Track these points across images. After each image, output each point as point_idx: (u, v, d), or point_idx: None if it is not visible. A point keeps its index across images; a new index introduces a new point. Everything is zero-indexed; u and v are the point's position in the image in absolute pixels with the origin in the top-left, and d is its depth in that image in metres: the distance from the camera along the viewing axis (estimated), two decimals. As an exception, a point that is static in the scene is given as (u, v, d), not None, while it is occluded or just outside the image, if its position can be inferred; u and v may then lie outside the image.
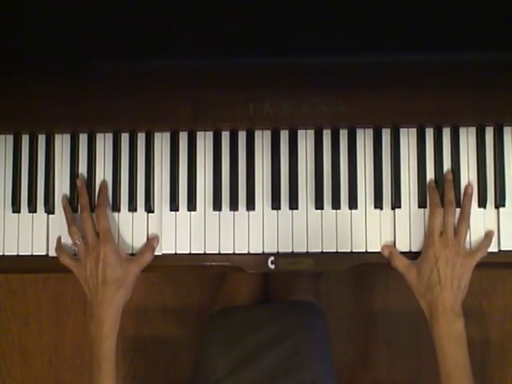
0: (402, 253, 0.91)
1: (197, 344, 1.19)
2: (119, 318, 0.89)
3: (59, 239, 0.94)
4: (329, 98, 0.92)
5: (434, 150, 0.93)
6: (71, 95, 0.94)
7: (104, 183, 0.95)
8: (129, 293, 0.91)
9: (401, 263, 0.91)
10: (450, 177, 0.92)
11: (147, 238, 0.94)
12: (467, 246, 0.91)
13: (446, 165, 0.93)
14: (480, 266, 0.91)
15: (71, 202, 0.95)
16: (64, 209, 0.94)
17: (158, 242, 0.93)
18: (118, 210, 0.95)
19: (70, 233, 0.92)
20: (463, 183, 0.92)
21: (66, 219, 0.93)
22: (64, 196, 0.95)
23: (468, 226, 0.91)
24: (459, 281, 0.87)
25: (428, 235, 0.90)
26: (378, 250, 0.92)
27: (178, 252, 0.94)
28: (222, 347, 1.05)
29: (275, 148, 0.94)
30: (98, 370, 0.87)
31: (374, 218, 0.93)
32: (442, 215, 0.90)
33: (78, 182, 0.94)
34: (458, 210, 0.91)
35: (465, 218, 0.90)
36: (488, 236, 0.92)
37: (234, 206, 0.93)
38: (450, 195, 0.91)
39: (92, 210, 0.93)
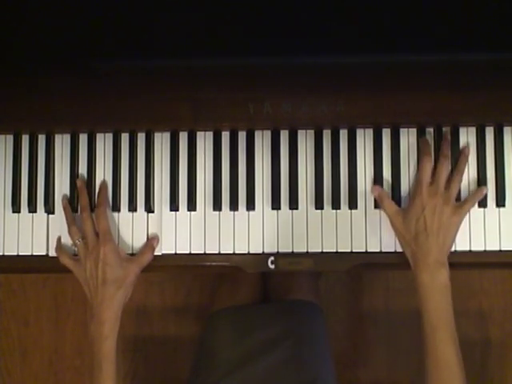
0: (402, 252, 0.91)
1: (196, 344, 1.19)
2: (119, 318, 0.89)
3: (59, 239, 0.94)
4: (329, 98, 0.92)
5: (434, 149, 0.93)
6: (71, 95, 0.94)
7: (104, 183, 0.95)
8: (129, 293, 0.91)
9: (389, 208, 0.89)
10: (448, 137, 0.91)
11: (147, 238, 0.94)
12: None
13: (446, 165, 0.93)
14: (480, 266, 0.91)
15: (71, 202, 0.95)
16: (64, 209, 0.94)
17: (157, 241, 0.93)
18: (118, 210, 0.95)
19: (69, 233, 0.92)
20: (464, 183, 0.92)
21: (66, 219, 0.93)
22: (64, 196, 0.95)
23: (460, 181, 0.90)
24: (445, 231, 0.86)
25: (417, 184, 0.89)
26: (378, 249, 0.92)
27: (178, 252, 0.94)
28: (221, 347, 1.05)
29: (275, 148, 0.94)
30: (99, 370, 0.87)
31: (374, 217, 0.93)
32: (432, 165, 0.89)
33: (78, 182, 0.94)
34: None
35: (459, 172, 0.90)
36: (480, 189, 0.90)
37: (233, 206, 0.93)
38: (446, 151, 0.90)
39: (92, 210, 0.93)
